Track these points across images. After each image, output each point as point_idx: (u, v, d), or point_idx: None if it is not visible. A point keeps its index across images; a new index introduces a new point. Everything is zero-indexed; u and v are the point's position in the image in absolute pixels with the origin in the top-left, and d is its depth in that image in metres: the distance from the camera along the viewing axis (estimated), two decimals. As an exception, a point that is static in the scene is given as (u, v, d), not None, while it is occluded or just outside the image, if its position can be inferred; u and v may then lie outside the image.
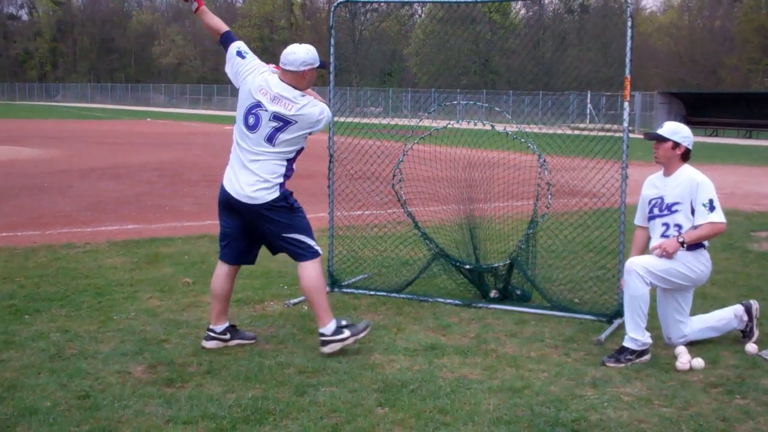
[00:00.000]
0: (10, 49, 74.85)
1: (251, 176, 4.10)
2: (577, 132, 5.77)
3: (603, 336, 4.56)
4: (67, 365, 3.91)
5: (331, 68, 5.57)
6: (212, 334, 4.27)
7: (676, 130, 4.39)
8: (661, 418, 3.41)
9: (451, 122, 5.74)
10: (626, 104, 4.84)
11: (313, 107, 4.15)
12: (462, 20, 6.65)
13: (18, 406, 3.39)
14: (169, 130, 28.37)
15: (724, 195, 10.78)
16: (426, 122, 5.84)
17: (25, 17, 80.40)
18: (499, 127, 5.54)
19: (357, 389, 3.66)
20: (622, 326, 4.43)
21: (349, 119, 5.75)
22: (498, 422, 3.31)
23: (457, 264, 5.49)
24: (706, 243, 4.34)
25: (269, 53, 68.10)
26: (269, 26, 66.89)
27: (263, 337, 4.49)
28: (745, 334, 4.53)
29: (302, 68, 4.15)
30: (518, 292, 5.40)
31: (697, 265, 4.28)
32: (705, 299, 5.31)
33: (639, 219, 4.63)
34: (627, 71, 4.80)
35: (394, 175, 5.57)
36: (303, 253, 4.20)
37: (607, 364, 4.10)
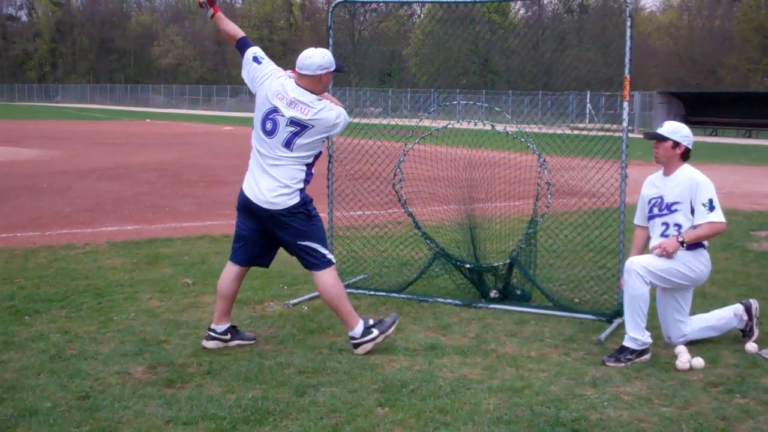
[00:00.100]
0: (9, 50, 74.84)
1: (272, 182, 4.11)
2: (576, 132, 5.77)
3: (603, 335, 4.56)
4: (67, 366, 3.91)
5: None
6: (213, 334, 4.28)
7: (676, 130, 4.39)
8: (661, 418, 3.41)
9: (451, 122, 5.74)
10: (625, 104, 4.84)
11: (329, 111, 4.15)
12: (461, 20, 6.65)
13: (18, 406, 3.39)
14: (168, 131, 28.37)
15: (723, 194, 10.78)
16: (426, 122, 5.84)
17: (24, 18, 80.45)
18: (499, 127, 5.55)
19: (357, 389, 3.66)
20: (622, 326, 4.43)
21: (349, 119, 5.74)
22: (498, 422, 3.31)
23: (458, 263, 5.49)
24: (705, 243, 4.34)
25: (269, 53, 67.89)
26: (268, 27, 66.92)
27: (263, 337, 4.49)
28: (745, 334, 4.53)
29: (318, 72, 4.15)
30: (518, 292, 5.40)
31: (697, 264, 4.29)
32: (705, 299, 5.32)
33: (638, 218, 4.63)
34: (626, 71, 4.80)
35: (395, 175, 5.57)
36: (316, 262, 4.21)
37: (607, 363, 4.10)
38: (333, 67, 4.22)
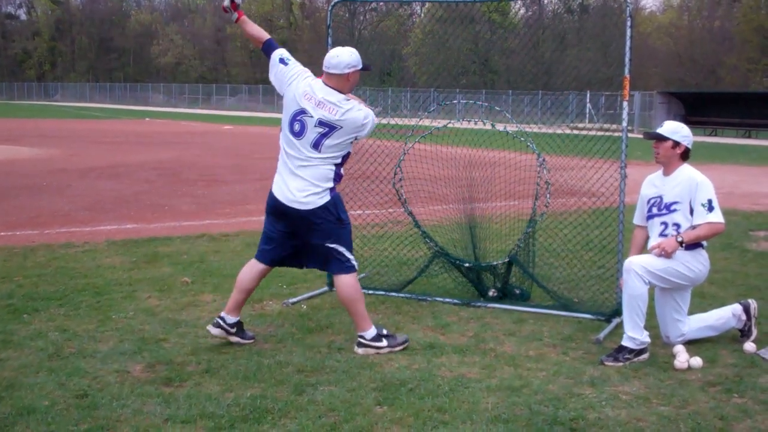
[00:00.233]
0: (8, 48, 74.79)
1: (301, 182, 4.12)
2: (576, 131, 5.77)
3: (602, 335, 4.56)
4: (66, 364, 3.91)
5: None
6: (222, 323, 4.27)
7: (675, 130, 4.39)
8: (660, 417, 3.41)
9: (451, 121, 5.74)
10: (625, 104, 4.84)
11: (358, 111, 4.14)
12: (461, 20, 6.65)
13: (16, 405, 3.39)
14: (167, 130, 28.36)
15: (722, 194, 10.79)
16: (426, 121, 5.84)
17: (23, 17, 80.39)
18: (499, 127, 5.55)
19: (355, 388, 3.66)
20: (620, 325, 4.43)
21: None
22: (496, 421, 3.32)
23: (457, 262, 5.49)
24: (704, 243, 4.34)
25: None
26: (268, 26, 66.73)
27: (262, 336, 4.49)
28: (744, 333, 4.53)
29: (346, 71, 4.15)
30: (517, 291, 5.40)
31: (696, 264, 4.29)
32: (703, 298, 5.32)
33: (638, 218, 4.63)
34: (626, 71, 4.80)
35: (395, 174, 5.57)
36: (340, 266, 4.21)
37: (606, 362, 4.10)
38: (360, 66, 4.22)
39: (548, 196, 5.27)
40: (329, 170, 4.14)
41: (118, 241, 7.27)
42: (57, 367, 3.87)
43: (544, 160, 5.31)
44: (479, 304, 5.26)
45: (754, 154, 22.01)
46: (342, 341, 4.40)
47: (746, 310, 4.55)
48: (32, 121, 32.26)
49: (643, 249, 4.55)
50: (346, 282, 4.22)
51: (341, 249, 4.19)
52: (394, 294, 5.49)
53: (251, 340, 4.37)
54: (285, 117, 4.22)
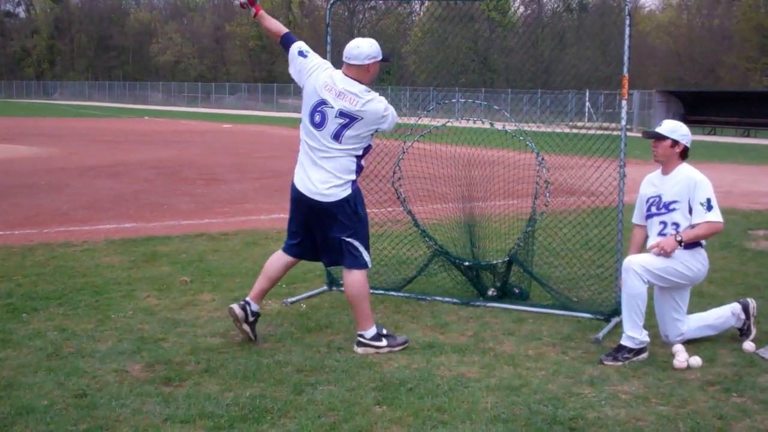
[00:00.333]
0: (7, 46, 74.69)
1: (324, 174, 4.12)
2: (575, 130, 5.77)
3: (601, 334, 4.56)
4: (65, 364, 3.91)
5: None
6: (248, 307, 4.29)
7: (674, 128, 4.39)
8: (659, 416, 3.41)
9: (450, 120, 5.74)
10: (624, 102, 4.84)
11: (379, 103, 4.14)
12: (460, 18, 6.64)
13: (15, 404, 3.38)
14: (166, 128, 28.35)
15: (721, 193, 10.80)
16: (425, 120, 5.84)
17: (22, 15, 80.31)
18: (498, 126, 5.54)
19: (355, 388, 3.66)
20: (619, 324, 4.43)
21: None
22: (496, 420, 3.31)
23: (456, 261, 5.49)
24: (703, 242, 4.34)
25: (267, 51, 68.14)
26: (267, 24, 66.76)
27: (261, 335, 4.49)
28: (743, 333, 4.54)
29: (367, 62, 4.16)
30: (516, 291, 5.40)
31: (695, 263, 4.29)
32: (702, 297, 5.32)
33: (637, 217, 4.63)
34: (625, 69, 4.80)
35: (393, 173, 5.56)
36: (354, 261, 4.21)
37: (605, 362, 4.10)
38: (380, 57, 4.22)
39: (547, 195, 5.26)
40: (351, 162, 4.15)
41: (117, 240, 7.27)
42: (56, 366, 3.87)
43: (543, 159, 5.31)
44: (478, 303, 5.26)
45: (753, 153, 22.02)
46: (341, 341, 4.40)
47: (745, 309, 4.55)
48: (31, 120, 32.24)
49: (643, 248, 4.55)
50: (356, 279, 4.22)
51: (357, 244, 4.20)
52: (393, 293, 5.49)
53: (254, 339, 4.36)
54: (305, 108, 4.22)
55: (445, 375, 3.87)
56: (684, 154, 4.40)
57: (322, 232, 4.24)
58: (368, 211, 4.43)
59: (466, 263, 5.45)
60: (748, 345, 4.35)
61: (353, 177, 4.17)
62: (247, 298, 4.35)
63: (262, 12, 4.45)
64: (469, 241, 5.64)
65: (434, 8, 6.90)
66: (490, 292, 5.38)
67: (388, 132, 4.43)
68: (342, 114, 4.09)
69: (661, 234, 4.36)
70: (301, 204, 4.22)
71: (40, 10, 77.73)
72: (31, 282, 5.57)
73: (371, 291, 5.48)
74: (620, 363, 4.09)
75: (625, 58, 4.79)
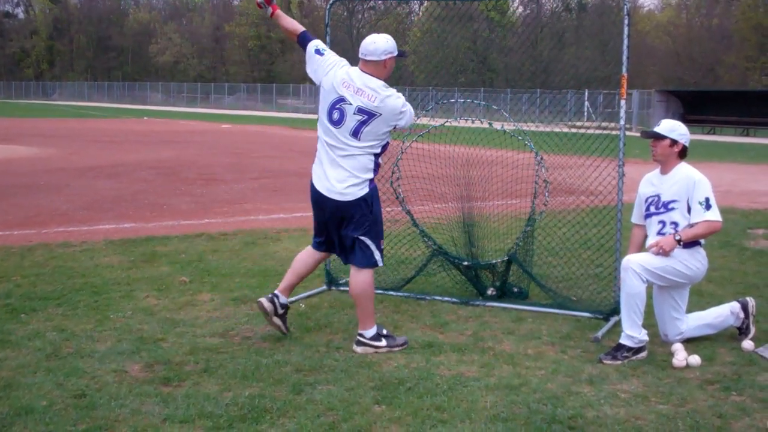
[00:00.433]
0: (6, 47, 74.67)
1: (342, 172, 4.13)
2: (574, 130, 5.77)
3: (600, 333, 4.56)
4: (64, 364, 3.91)
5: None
6: (276, 300, 4.33)
7: (673, 128, 4.40)
8: (658, 415, 3.41)
9: (449, 120, 5.74)
10: (623, 102, 4.84)
11: (397, 99, 4.15)
12: (459, 18, 6.64)
13: (14, 405, 3.38)
14: (166, 129, 28.34)
15: (721, 192, 10.80)
16: (424, 120, 5.84)
17: (21, 15, 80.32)
18: (497, 125, 5.54)
19: (354, 387, 3.66)
20: (618, 324, 4.43)
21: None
22: (495, 419, 3.31)
23: (455, 261, 5.49)
24: (702, 241, 4.35)
25: (266, 51, 68.13)
26: (266, 24, 66.77)
27: (260, 335, 4.49)
28: (742, 331, 4.54)
29: (383, 57, 4.17)
30: (516, 290, 5.40)
31: (694, 262, 4.29)
32: (701, 296, 5.32)
33: (636, 217, 4.63)
34: (624, 69, 4.80)
35: (392, 173, 5.56)
36: (364, 259, 4.22)
37: (604, 361, 4.11)
38: (396, 52, 4.22)
39: (546, 194, 5.26)
40: (369, 160, 4.15)
41: (116, 240, 7.26)
42: (55, 367, 3.87)
43: (542, 158, 5.31)
44: (478, 302, 5.26)
45: (753, 153, 22.03)
46: (340, 340, 4.40)
47: (744, 308, 4.55)
48: (30, 121, 32.22)
49: (642, 247, 4.55)
50: (363, 277, 4.23)
51: (368, 242, 4.21)
52: (392, 293, 5.49)
53: (286, 332, 4.40)
54: (323, 106, 4.23)
55: (444, 374, 3.87)
56: (683, 154, 4.41)
57: (338, 229, 4.26)
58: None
59: (465, 263, 5.45)
60: (747, 344, 4.35)
61: (371, 176, 4.18)
62: (276, 291, 4.38)
63: (278, 11, 4.46)
64: (468, 241, 5.64)
65: (433, 8, 6.90)
66: (490, 291, 5.38)
67: (404, 129, 4.43)
68: (360, 110, 4.10)
69: (660, 233, 4.36)
70: (320, 202, 4.25)
71: (39, 11, 77.71)
72: (30, 282, 5.57)
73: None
74: (619, 362, 4.09)
75: (624, 57, 4.80)
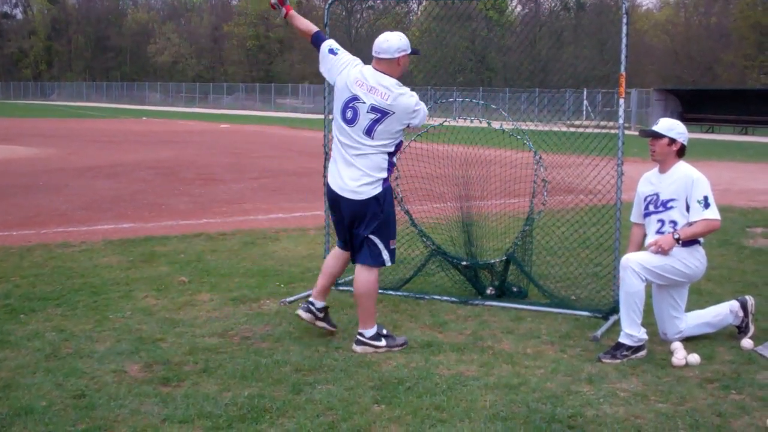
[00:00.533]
0: (4, 47, 74.57)
1: (355, 171, 4.14)
2: (572, 129, 5.77)
3: (599, 332, 4.57)
4: (63, 364, 3.91)
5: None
6: (311, 308, 4.36)
7: (671, 127, 4.40)
8: (657, 414, 3.41)
9: (447, 119, 5.73)
10: (621, 101, 4.85)
11: (410, 97, 4.15)
12: (458, 17, 6.64)
13: (13, 405, 3.38)
14: (164, 129, 28.33)
15: (719, 191, 10.80)
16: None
17: (19, 16, 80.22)
18: (496, 125, 5.55)
19: (353, 387, 3.66)
20: (618, 323, 4.44)
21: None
22: (494, 419, 3.32)
23: (454, 261, 5.49)
24: (701, 239, 4.35)
25: (265, 51, 68.09)
26: (265, 24, 66.76)
27: (259, 335, 4.49)
28: (741, 330, 4.54)
29: (397, 55, 4.17)
30: (515, 289, 5.40)
31: (692, 261, 4.29)
32: (700, 295, 5.33)
33: (635, 216, 4.64)
34: (622, 68, 4.80)
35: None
36: (371, 258, 4.22)
37: (603, 360, 4.11)
38: (409, 49, 4.23)
39: (545, 193, 5.27)
40: (383, 159, 4.16)
41: (115, 240, 7.26)
42: (54, 367, 3.86)
43: (540, 157, 5.31)
44: (477, 302, 5.26)
45: (751, 151, 22.05)
46: (339, 340, 4.40)
47: (743, 306, 4.56)
48: (29, 121, 32.20)
49: (641, 246, 4.55)
50: (368, 276, 4.24)
51: (377, 241, 4.21)
52: (391, 292, 5.49)
53: (334, 328, 4.43)
54: (337, 105, 4.23)
55: (443, 374, 3.87)
56: (681, 152, 4.41)
57: (350, 228, 4.27)
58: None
59: (464, 263, 5.45)
60: (747, 342, 4.36)
61: (384, 175, 4.18)
62: (310, 298, 4.42)
63: (292, 12, 4.48)
64: (467, 241, 5.64)
65: (432, 7, 6.90)
66: (489, 290, 5.38)
67: (417, 128, 4.43)
68: (374, 109, 4.10)
69: (659, 232, 4.36)
70: (335, 201, 4.27)
71: (37, 11, 77.63)
72: (29, 283, 5.56)
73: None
74: (619, 361, 4.09)
75: (623, 56, 4.80)
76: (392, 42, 4.16)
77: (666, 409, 3.47)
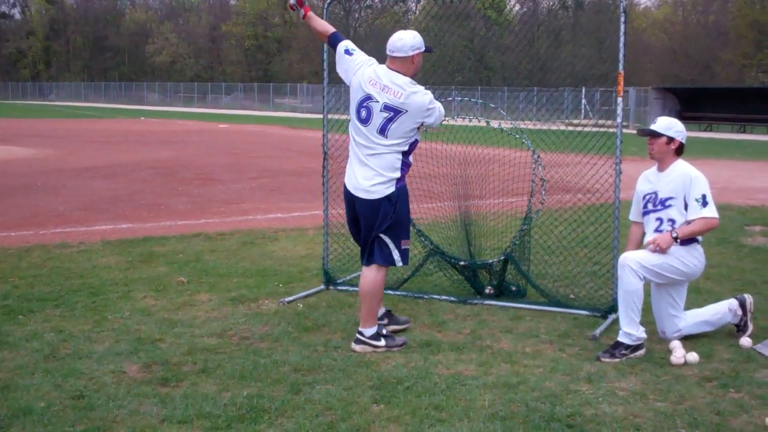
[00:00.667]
0: (2, 48, 74.47)
1: (368, 171, 4.16)
2: (571, 128, 5.77)
3: (598, 331, 4.57)
4: (62, 365, 3.90)
5: (325, 66, 5.56)
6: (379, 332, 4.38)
7: (669, 125, 4.40)
8: (656, 413, 3.42)
9: (446, 119, 5.72)
10: (619, 100, 4.85)
11: (424, 95, 4.15)
12: (456, 17, 6.64)
13: (12, 406, 3.38)
14: (163, 129, 28.30)
15: (718, 189, 10.81)
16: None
17: (17, 16, 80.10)
18: (494, 124, 5.54)
19: (352, 386, 3.66)
20: (616, 321, 4.44)
21: (344, 116, 5.75)
22: (493, 418, 3.32)
23: (452, 260, 5.49)
24: (699, 238, 4.35)
25: (263, 51, 68.03)
26: (263, 24, 66.73)
27: (258, 335, 4.49)
28: (740, 328, 4.54)
29: (411, 53, 4.18)
30: (513, 288, 5.40)
31: (691, 259, 4.30)
32: (699, 294, 5.33)
33: (633, 214, 4.64)
34: (620, 66, 4.80)
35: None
36: (382, 258, 4.23)
37: (602, 359, 4.11)
38: (423, 47, 4.24)
39: (543, 192, 5.27)
40: (396, 159, 4.16)
41: (113, 240, 7.25)
42: (53, 368, 3.86)
43: (539, 156, 5.31)
44: (475, 301, 5.26)
45: (749, 149, 22.06)
46: (338, 340, 4.40)
47: (742, 305, 4.56)
48: (27, 121, 32.16)
49: (640, 245, 4.55)
50: (374, 276, 4.25)
51: (388, 240, 4.21)
52: (390, 292, 5.48)
53: (407, 324, 4.49)
54: (352, 105, 4.26)
55: (442, 373, 3.87)
56: (679, 151, 4.41)
57: (362, 226, 4.28)
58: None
59: (462, 263, 5.45)
60: (745, 341, 4.36)
61: (398, 175, 4.18)
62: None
63: (310, 13, 4.50)
64: (466, 240, 5.64)
65: (430, 7, 6.91)
66: (487, 290, 5.38)
67: (434, 128, 4.43)
68: (387, 108, 4.11)
69: (657, 230, 4.37)
70: (349, 201, 4.30)
71: (36, 12, 77.53)
72: (28, 283, 5.56)
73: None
74: (617, 360, 4.10)
75: (621, 55, 4.80)
76: (406, 40, 4.17)
77: (665, 408, 3.47)
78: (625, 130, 4.97)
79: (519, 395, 3.58)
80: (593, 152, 5.20)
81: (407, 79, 4.17)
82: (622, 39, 4.78)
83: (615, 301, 4.65)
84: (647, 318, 4.41)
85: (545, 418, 3.32)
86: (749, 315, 4.57)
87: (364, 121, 4.16)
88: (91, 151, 18.06)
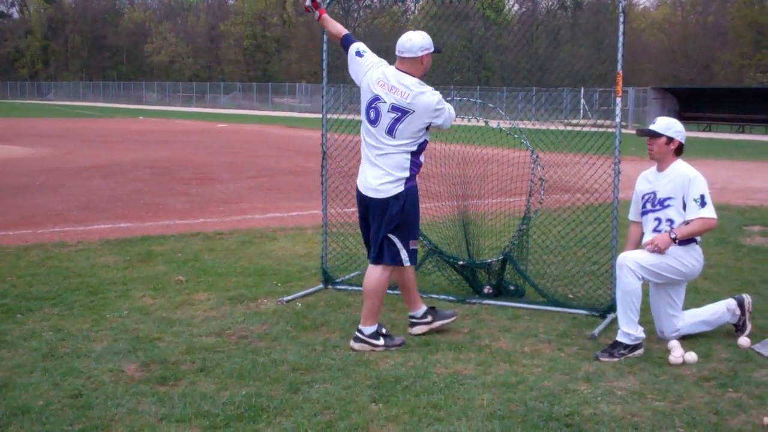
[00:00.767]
0: (0, 47, 74.36)
1: (378, 170, 4.18)
2: (570, 128, 5.77)
3: (596, 331, 4.57)
4: (60, 364, 3.90)
5: (324, 65, 5.56)
6: (414, 320, 4.43)
7: (669, 125, 4.40)
8: (654, 412, 3.42)
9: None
10: (618, 100, 4.85)
11: (432, 95, 4.16)
12: (455, 16, 6.64)
13: (10, 405, 3.37)
14: (161, 128, 28.28)
15: (717, 189, 10.83)
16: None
17: (16, 15, 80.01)
18: (493, 123, 5.54)
19: (351, 386, 3.66)
20: (615, 321, 4.44)
21: (342, 116, 5.75)
22: (492, 417, 3.32)
23: (451, 260, 5.49)
24: (698, 238, 4.35)
25: (262, 50, 67.99)
26: (262, 23, 66.69)
27: (257, 334, 4.49)
28: (738, 328, 4.55)
29: (420, 54, 4.19)
30: (512, 288, 5.40)
31: (689, 259, 4.30)
32: (698, 293, 5.33)
33: (632, 214, 4.64)
34: (619, 67, 4.80)
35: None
36: (389, 257, 4.24)
37: (601, 358, 4.11)
38: (432, 48, 4.25)
39: (542, 192, 5.27)
40: (405, 159, 4.17)
41: (112, 240, 7.25)
42: (51, 366, 3.86)
43: (537, 156, 5.31)
44: (474, 300, 5.26)
45: (748, 149, 22.08)
46: (337, 339, 4.40)
47: (740, 304, 4.56)
48: (25, 121, 32.13)
49: (639, 244, 4.56)
50: (378, 275, 4.26)
51: (395, 240, 4.22)
52: (389, 291, 5.46)
53: (453, 317, 4.51)
54: (362, 106, 4.28)
55: (441, 372, 3.87)
56: (679, 151, 4.41)
57: (372, 226, 4.29)
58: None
59: (461, 262, 5.45)
60: (744, 340, 4.36)
61: (407, 174, 4.18)
62: (409, 313, 4.50)
63: (325, 15, 4.54)
64: (464, 239, 5.64)
65: (429, 6, 6.90)
66: (486, 289, 5.38)
67: (445, 129, 4.43)
68: (394, 108, 4.13)
69: (656, 230, 4.37)
70: (361, 201, 4.32)
71: (34, 11, 77.44)
72: (26, 282, 5.55)
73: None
74: (616, 359, 4.10)
75: (620, 55, 4.80)
76: (415, 41, 4.19)
77: (663, 408, 3.47)
78: (623, 130, 4.98)
79: (517, 394, 3.58)
80: (592, 152, 5.21)
81: (415, 80, 4.18)
82: (620, 39, 4.78)
83: (613, 300, 4.65)
84: (646, 318, 4.41)
85: (543, 417, 3.32)
86: (748, 315, 4.57)
87: (373, 122, 4.19)
88: (90, 150, 18.05)
